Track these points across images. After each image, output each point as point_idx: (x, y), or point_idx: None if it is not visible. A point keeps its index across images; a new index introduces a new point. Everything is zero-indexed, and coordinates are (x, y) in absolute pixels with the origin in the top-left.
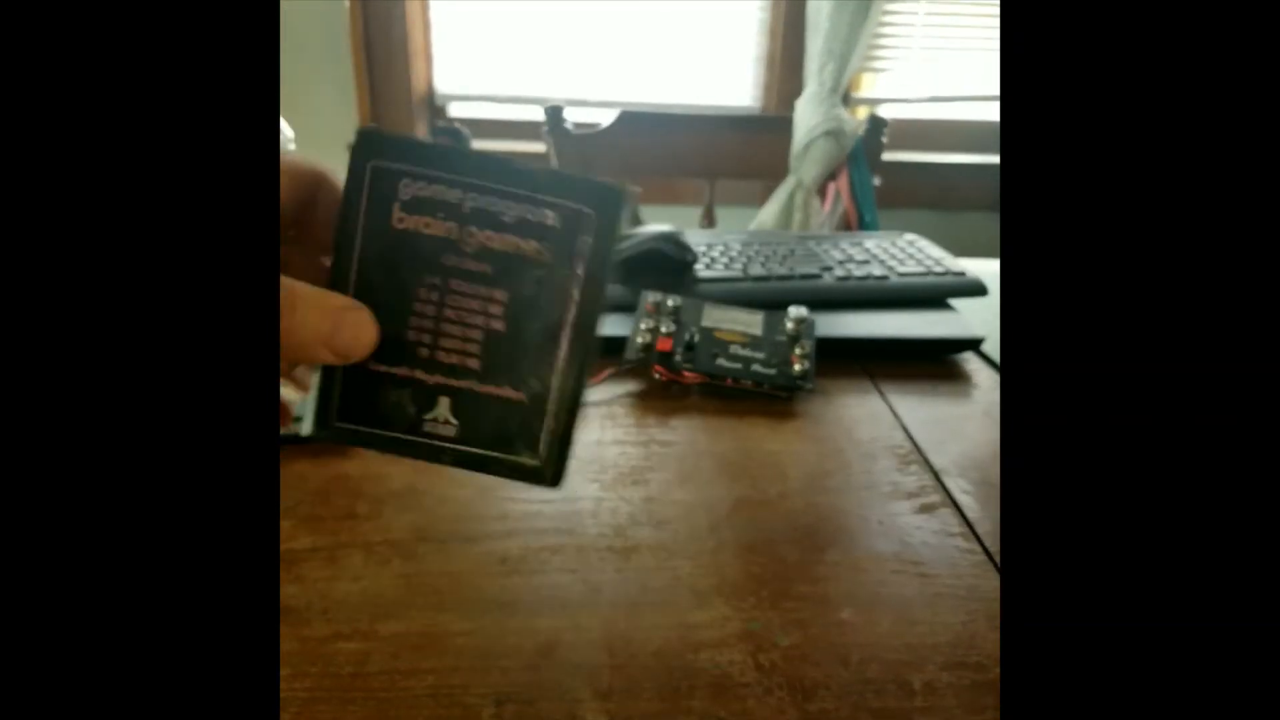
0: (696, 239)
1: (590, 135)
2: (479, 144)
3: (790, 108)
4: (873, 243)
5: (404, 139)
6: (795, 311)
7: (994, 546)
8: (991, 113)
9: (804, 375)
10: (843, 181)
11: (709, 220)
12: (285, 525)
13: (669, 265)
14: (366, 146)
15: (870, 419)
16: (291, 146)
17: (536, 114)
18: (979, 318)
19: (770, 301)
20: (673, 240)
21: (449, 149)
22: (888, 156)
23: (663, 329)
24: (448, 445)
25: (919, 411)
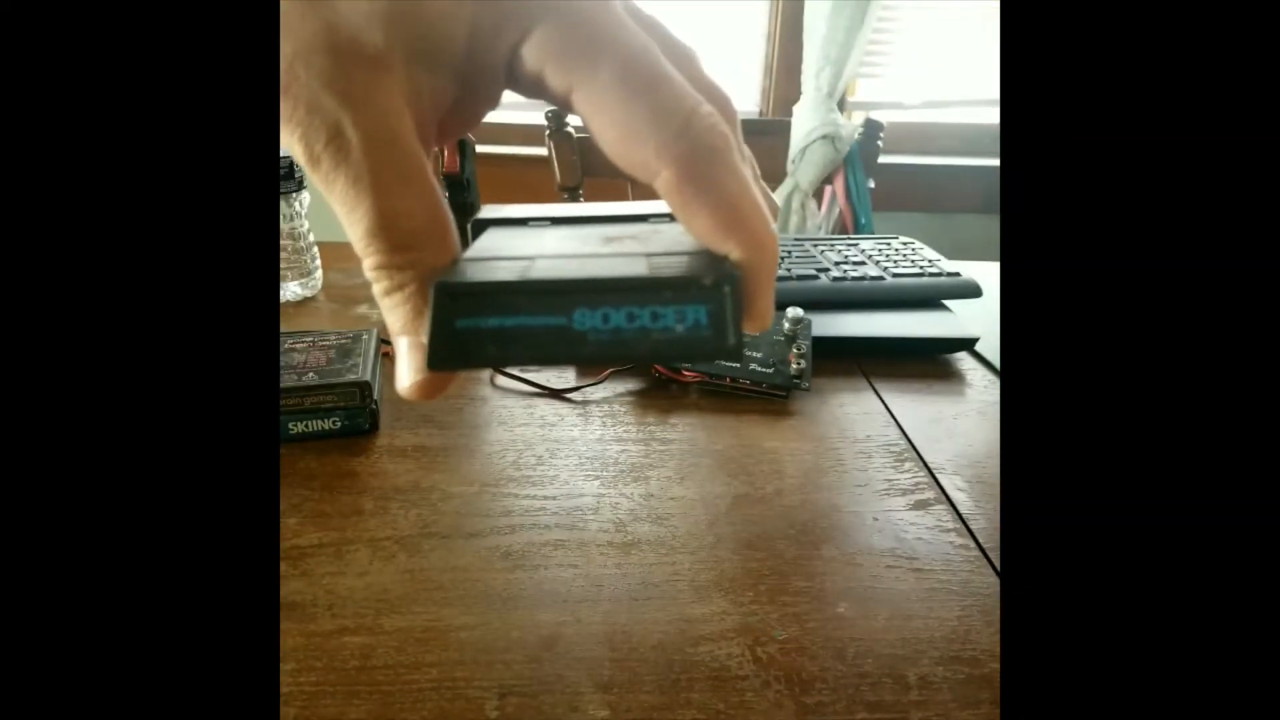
0: None
1: (591, 139)
2: (483, 148)
3: (787, 112)
4: (868, 244)
5: (485, 289)
6: (792, 312)
7: (988, 542)
8: (985, 116)
9: (801, 374)
10: (839, 184)
11: None
12: (292, 521)
13: None
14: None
15: (866, 417)
16: None
17: (539, 118)
18: (973, 318)
19: None
20: None
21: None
22: (883, 160)
23: None
24: None
25: (914, 410)
